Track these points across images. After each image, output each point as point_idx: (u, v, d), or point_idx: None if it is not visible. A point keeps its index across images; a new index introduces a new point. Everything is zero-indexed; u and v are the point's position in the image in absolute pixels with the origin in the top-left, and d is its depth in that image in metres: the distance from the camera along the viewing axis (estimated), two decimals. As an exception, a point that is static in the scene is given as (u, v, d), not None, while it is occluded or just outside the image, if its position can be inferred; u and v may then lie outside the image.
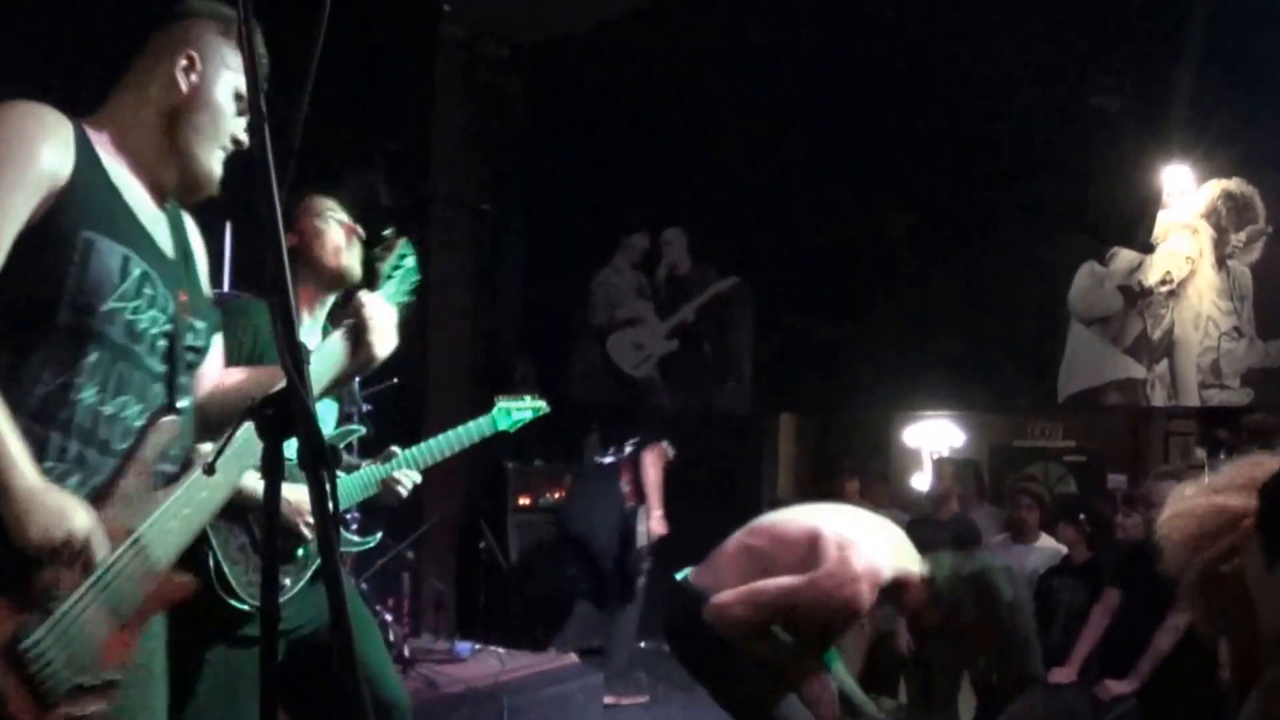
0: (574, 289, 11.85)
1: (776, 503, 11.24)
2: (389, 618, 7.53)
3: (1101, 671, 7.44)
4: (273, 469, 2.32)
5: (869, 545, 5.12)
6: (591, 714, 7.72)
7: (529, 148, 11.80)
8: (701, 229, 11.35)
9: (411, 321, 4.65)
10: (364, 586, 7.64)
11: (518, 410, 5.10)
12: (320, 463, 2.21)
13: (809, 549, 5.12)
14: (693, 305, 11.33)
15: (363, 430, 4.65)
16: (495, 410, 5.02)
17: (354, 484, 4.48)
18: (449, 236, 11.17)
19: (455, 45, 11.23)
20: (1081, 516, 8.58)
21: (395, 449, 4.58)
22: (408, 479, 4.55)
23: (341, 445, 4.67)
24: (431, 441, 4.67)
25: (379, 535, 5.09)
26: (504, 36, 11.49)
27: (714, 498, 10.66)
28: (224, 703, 3.89)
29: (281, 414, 2.29)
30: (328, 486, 2.20)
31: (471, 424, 4.84)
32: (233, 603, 3.87)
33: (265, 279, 2.21)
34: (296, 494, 3.95)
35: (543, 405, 5.23)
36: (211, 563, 3.85)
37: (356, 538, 4.64)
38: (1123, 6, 9.02)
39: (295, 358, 2.23)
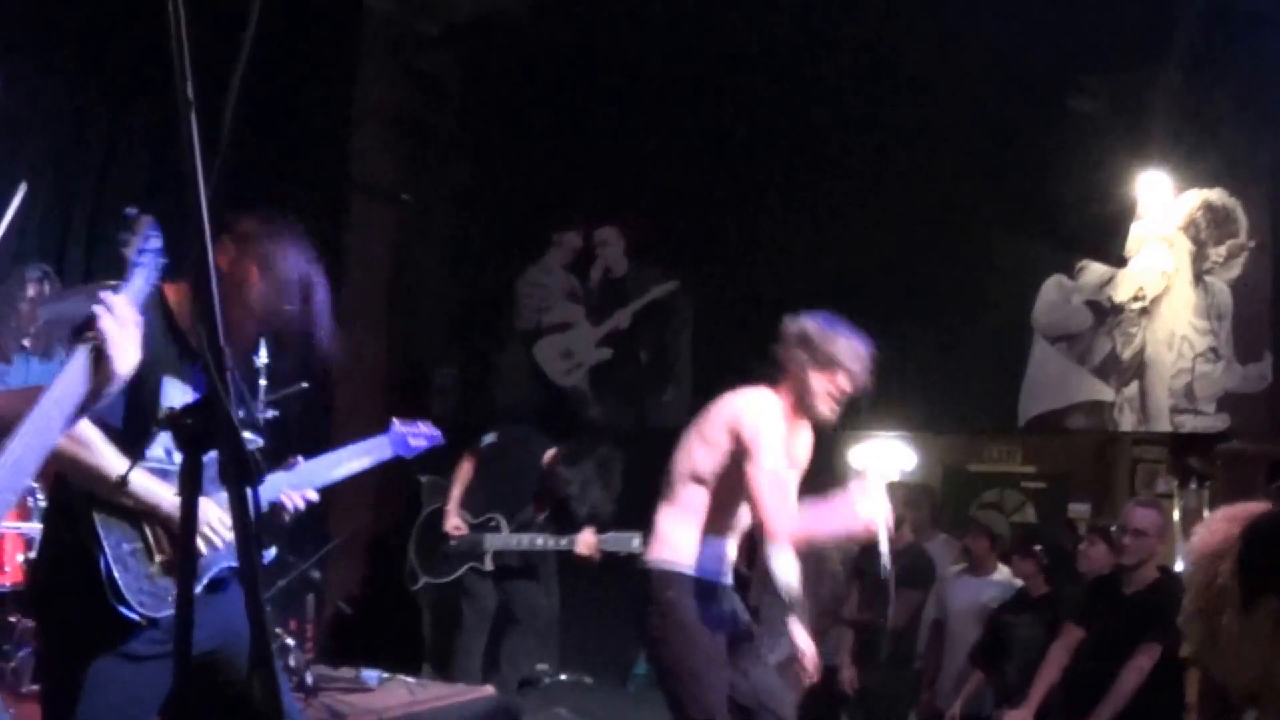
0: (500, 290, 11.81)
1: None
2: (291, 642, 7.50)
3: (1060, 713, 7.53)
4: (191, 480, 2.36)
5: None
6: (509, 750, 7.74)
7: (457, 134, 11.75)
8: (640, 228, 11.35)
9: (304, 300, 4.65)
10: (266, 608, 7.63)
11: (413, 438, 5.14)
12: (243, 475, 2.25)
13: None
14: (628, 310, 11.33)
15: (260, 441, 4.61)
16: (391, 433, 5.04)
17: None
18: (366, 228, 11.13)
19: (381, 20, 11.18)
20: (1038, 548, 8.67)
21: (300, 459, 4.55)
22: (297, 497, 4.51)
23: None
24: (325, 458, 4.67)
25: (274, 551, 5.10)
26: (435, 13, 11.43)
27: (642, 517, 10.67)
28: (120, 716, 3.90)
29: (202, 424, 2.32)
30: (250, 500, 2.23)
31: (368, 444, 4.88)
32: (123, 610, 3.86)
33: (188, 273, 2.24)
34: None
35: (438, 436, 5.29)
36: (103, 566, 3.85)
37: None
38: (1103, 5, 9.07)
39: (218, 362, 2.26)
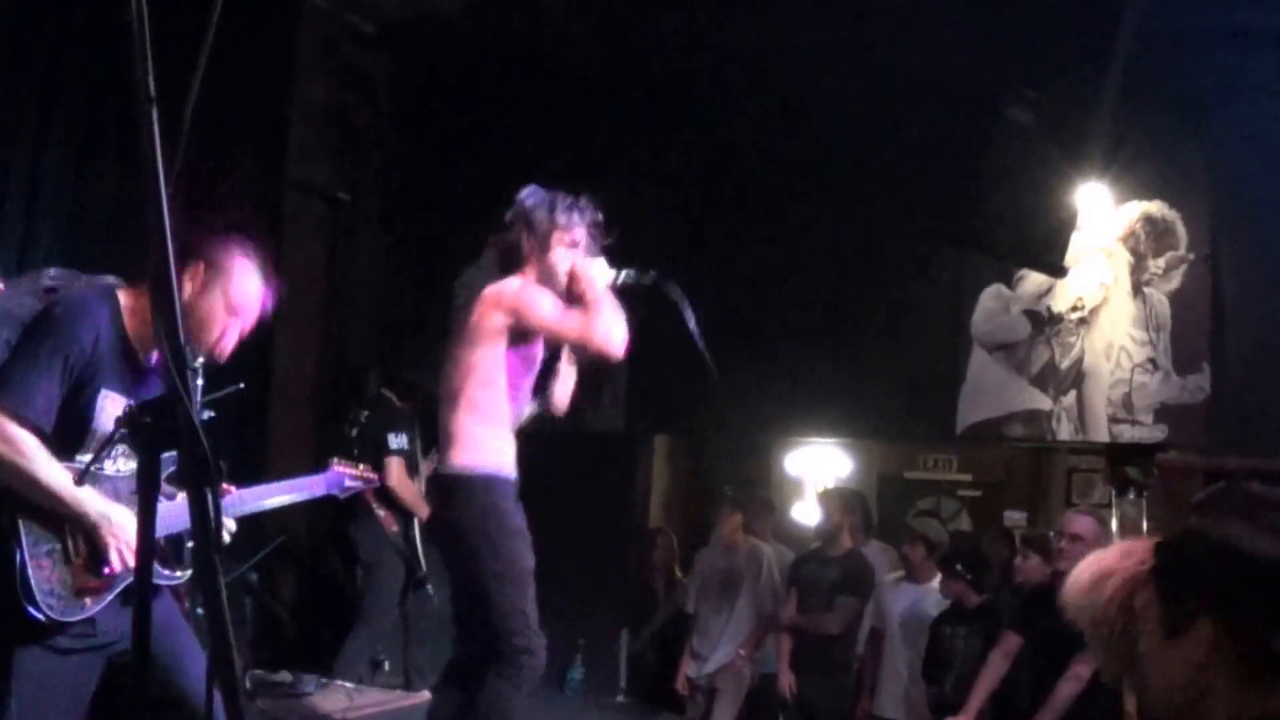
0: (436, 291, 11.73)
1: (644, 529, 11.31)
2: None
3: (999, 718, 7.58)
4: (148, 482, 2.33)
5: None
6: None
7: (392, 133, 11.68)
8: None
9: (256, 321, 4.64)
10: (199, 612, 7.56)
11: (350, 480, 5.37)
12: (203, 479, 2.22)
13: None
14: (566, 314, 11.31)
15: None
16: (328, 473, 5.25)
17: (172, 515, 4.36)
18: (301, 227, 11.03)
19: (316, 17, 11.08)
20: (958, 567, 8.68)
21: (231, 487, 4.59)
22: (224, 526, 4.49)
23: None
24: (256, 490, 4.76)
25: (187, 573, 5.04)
26: (369, 11, 11.35)
27: (579, 523, 10.66)
28: (36, 714, 3.87)
29: (160, 424, 2.29)
30: (210, 504, 2.21)
31: (302, 481, 5.08)
32: (29, 609, 3.85)
33: (149, 271, 2.21)
34: (119, 514, 3.97)
35: (375, 480, 5.62)
36: (18, 563, 3.83)
37: (165, 570, 4.54)
38: (1040, 13, 9.11)
39: (179, 363, 2.23)
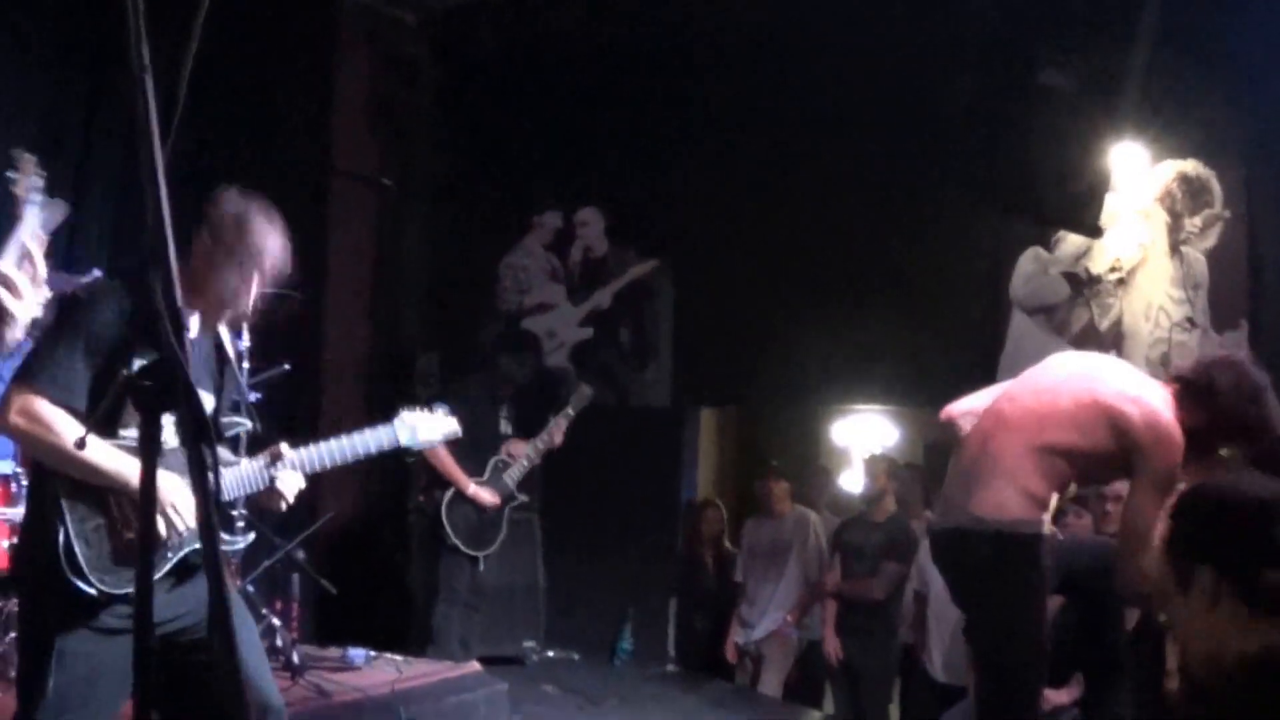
0: (481, 272, 11.80)
1: (693, 501, 11.32)
2: (277, 622, 7.49)
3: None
4: (149, 444, 2.35)
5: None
6: (496, 724, 7.74)
7: (435, 120, 11.73)
8: (619, 209, 11.34)
9: (305, 303, 4.65)
10: (250, 588, 7.62)
11: (426, 429, 4.97)
12: (202, 438, 2.24)
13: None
14: (609, 290, 11.33)
15: (249, 424, 4.55)
16: (397, 423, 4.86)
17: (233, 480, 4.38)
18: (348, 213, 11.13)
19: (359, 10, 11.17)
20: None
21: (283, 448, 4.46)
22: (292, 484, 4.46)
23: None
24: (324, 446, 4.55)
25: (252, 535, 5.06)
26: (411, 2, 11.42)
27: (627, 496, 10.69)
28: (80, 695, 3.88)
29: (161, 386, 2.31)
30: (209, 463, 2.23)
31: (370, 433, 4.71)
32: (79, 584, 3.86)
33: (144, 238, 2.23)
34: (169, 482, 3.95)
35: (455, 428, 5.13)
36: (61, 539, 3.85)
37: (227, 535, 4.57)
38: (1074, -24, 9.06)
39: (176, 326, 2.26)
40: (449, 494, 8.97)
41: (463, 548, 8.98)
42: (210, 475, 2.24)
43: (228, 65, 8.32)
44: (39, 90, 8.66)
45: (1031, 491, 5.21)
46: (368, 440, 4.70)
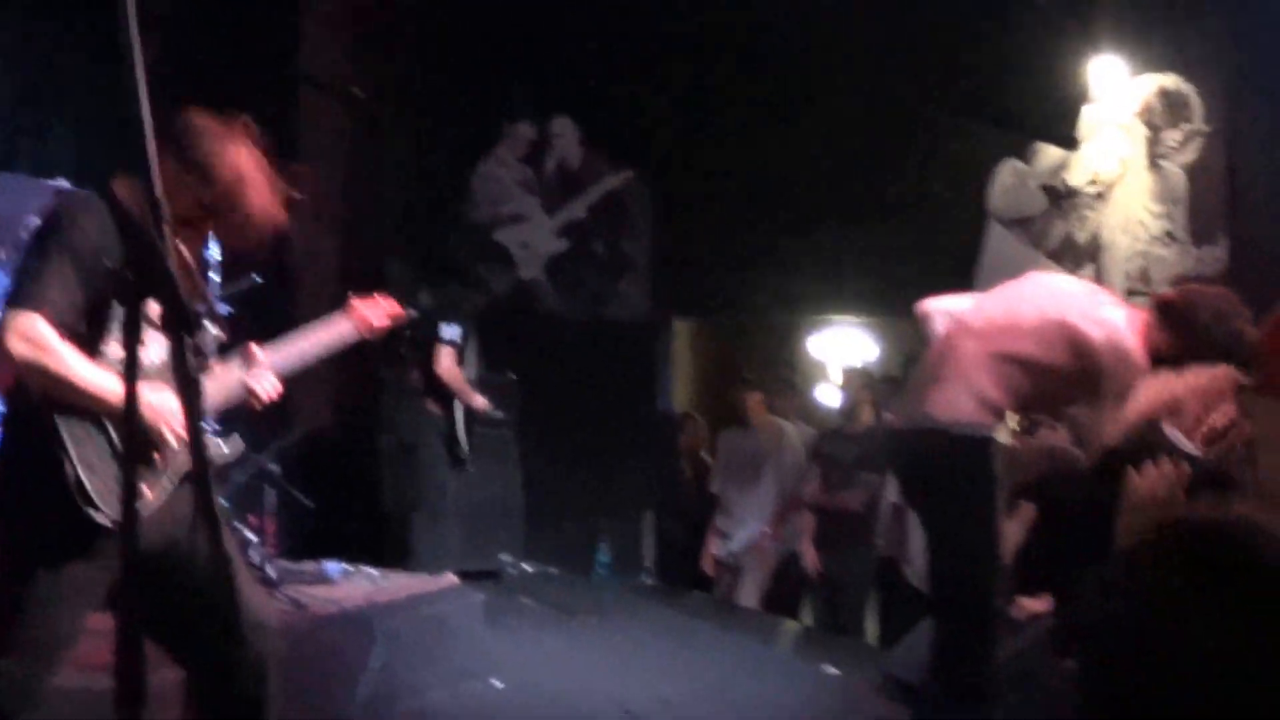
0: (454, 183, 11.73)
1: (670, 415, 11.33)
2: (252, 536, 7.47)
3: (1016, 589, 7.56)
4: (131, 333, 2.31)
5: None
6: (471, 635, 7.74)
7: (406, 25, 11.61)
8: (594, 118, 11.28)
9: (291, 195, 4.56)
10: (224, 502, 7.58)
11: (376, 317, 5.01)
12: (182, 325, 2.21)
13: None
14: (584, 201, 11.30)
15: (216, 331, 4.52)
16: (350, 313, 4.90)
17: (212, 389, 4.33)
18: (317, 123, 11.02)
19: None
20: None
21: (255, 348, 4.41)
22: (268, 385, 4.43)
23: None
24: (291, 346, 4.57)
25: (241, 446, 5.03)
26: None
27: (603, 409, 10.70)
28: (52, 619, 3.84)
29: (139, 273, 2.27)
30: (188, 348, 2.19)
31: (331, 326, 4.77)
32: (93, 514, 3.79)
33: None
34: (158, 397, 3.88)
35: (398, 309, 5.16)
36: (69, 472, 3.77)
37: (226, 448, 4.52)
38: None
39: (156, 213, 2.22)
40: (460, 407, 9.07)
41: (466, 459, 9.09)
42: (188, 362, 2.21)
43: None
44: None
45: (986, 397, 5.22)
46: (332, 335, 4.75)
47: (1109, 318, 5.20)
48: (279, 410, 4.72)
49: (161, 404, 3.88)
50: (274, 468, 8.31)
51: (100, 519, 3.77)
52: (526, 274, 11.27)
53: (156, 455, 3.96)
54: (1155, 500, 2.74)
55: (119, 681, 2.27)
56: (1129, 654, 1.47)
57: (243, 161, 4.10)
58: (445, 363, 8.99)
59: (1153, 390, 4.01)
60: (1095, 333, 5.12)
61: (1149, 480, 2.87)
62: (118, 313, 3.86)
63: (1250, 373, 4.71)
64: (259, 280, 8.01)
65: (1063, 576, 7.18)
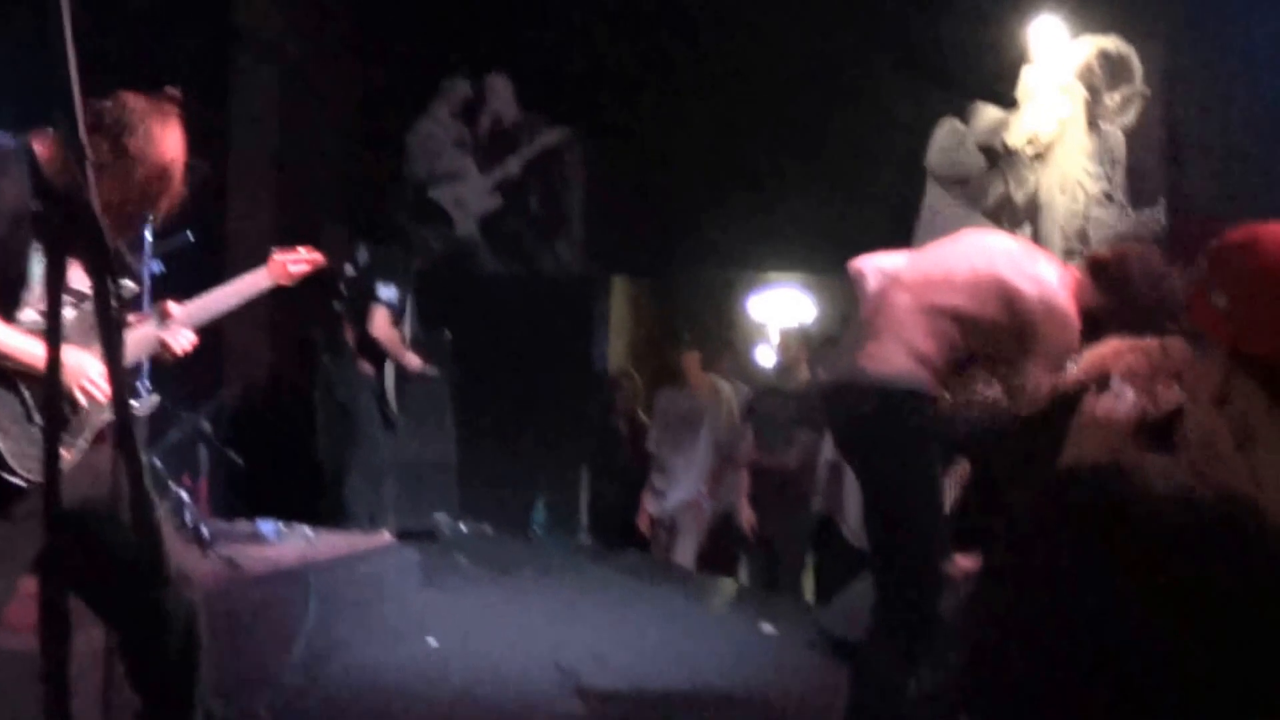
0: (389, 140, 11.67)
1: (607, 374, 11.32)
2: (185, 496, 7.41)
3: (951, 547, 7.58)
4: (54, 281, 2.27)
5: None
6: (406, 594, 7.73)
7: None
8: (529, 75, 11.23)
9: (209, 172, 4.53)
10: (157, 462, 7.52)
11: (293, 264, 5.18)
12: (105, 267, 2.17)
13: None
14: (519, 158, 11.26)
15: (134, 287, 4.54)
16: (270, 264, 5.08)
17: (128, 341, 4.32)
18: (250, 81, 10.92)
19: None
20: None
21: (170, 304, 4.46)
22: (183, 340, 4.43)
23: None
24: (206, 297, 4.65)
25: (156, 399, 5.03)
26: None
27: (537, 366, 10.69)
28: None
29: (62, 217, 2.22)
30: (111, 291, 2.16)
31: (247, 279, 4.90)
32: (7, 478, 3.75)
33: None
34: (72, 357, 3.84)
35: (318, 257, 5.34)
36: None
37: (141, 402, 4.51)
38: None
39: (78, 153, 2.17)
40: (391, 367, 9.05)
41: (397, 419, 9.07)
42: (112, 307, 2.17)
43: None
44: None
45: (919, 351, 5.21)
46: (246, 284, 4.85)
47: (1042, 274, 5.20)
48: (212, 369, 4.72)
49: (76, 364, 3.85)
50: (207, 427, 8.26)
51: (16, 481, 3.73)
52: (462, 232, 11.23)
53: (71, 415, 3.93)
54: (1108, 422, 2.75)
55: (44, 642, 2.25)
56: (1006, 618, 1.45)
57: (175, 145, 4.05)
58: (379, 322, 8.96)
59: (1108, 348, 4.04)
60: (1028, 288, 5.13)
61: (1104, 404, 2.89)
62: (32, 276, 3.81)
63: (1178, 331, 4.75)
64: (191, 238, 7.93)
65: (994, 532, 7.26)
